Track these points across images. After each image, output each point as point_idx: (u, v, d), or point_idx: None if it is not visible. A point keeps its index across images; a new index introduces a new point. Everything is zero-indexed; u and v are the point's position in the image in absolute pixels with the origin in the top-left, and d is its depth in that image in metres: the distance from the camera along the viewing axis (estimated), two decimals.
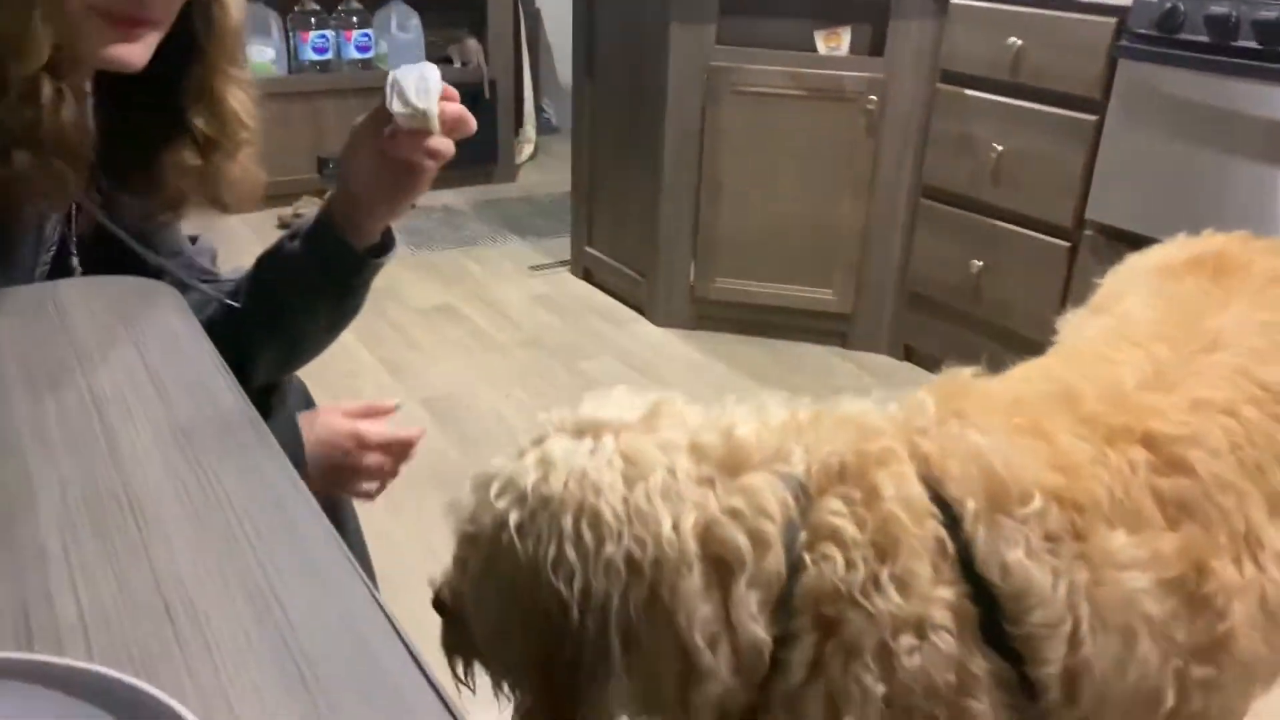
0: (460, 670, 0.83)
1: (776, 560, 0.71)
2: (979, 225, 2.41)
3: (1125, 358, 0.90)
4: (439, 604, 0.84)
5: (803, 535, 0.72)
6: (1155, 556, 0.76)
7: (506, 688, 0.81)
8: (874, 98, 2.50)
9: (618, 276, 3.05)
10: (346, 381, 2.52)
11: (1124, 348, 0.93)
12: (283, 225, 3.48)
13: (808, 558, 0.71)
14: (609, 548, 0.70)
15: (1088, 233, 2.16)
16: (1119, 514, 0.76)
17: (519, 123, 4.46)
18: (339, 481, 1.05)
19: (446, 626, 0.84)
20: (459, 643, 0.83)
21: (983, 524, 0.73)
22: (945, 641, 0.71)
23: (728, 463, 0.75)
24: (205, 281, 1.04)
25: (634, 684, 0.73)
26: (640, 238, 2.89)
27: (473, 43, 4.01)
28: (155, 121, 0.93)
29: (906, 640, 0.70)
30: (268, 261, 1.01)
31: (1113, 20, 2.04)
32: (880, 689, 0.70)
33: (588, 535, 0.71)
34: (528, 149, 4.50)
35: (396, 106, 0.84)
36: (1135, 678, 0.75)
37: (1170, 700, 0.77)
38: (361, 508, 1.15)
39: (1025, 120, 2.25)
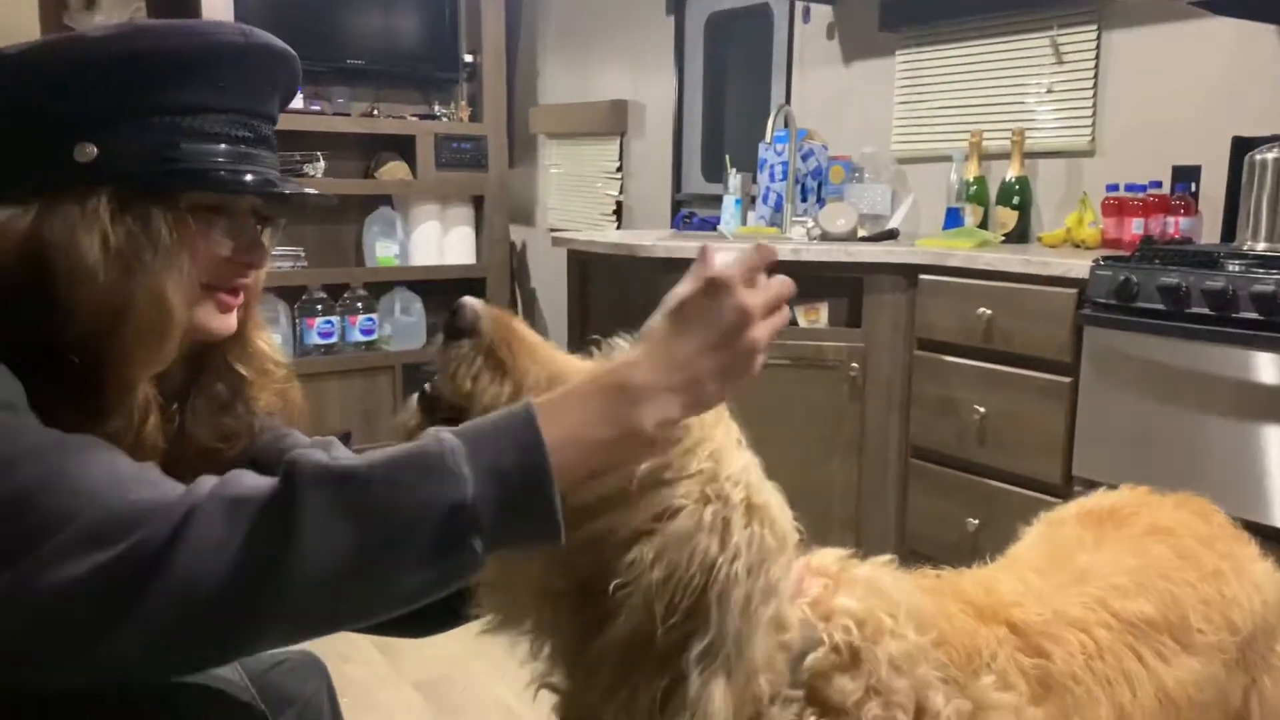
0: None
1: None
2: (970, 484, 2.45)
3: (1001, 578, 1.04)
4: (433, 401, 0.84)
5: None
6: (1022, 715, 0.88)
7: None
8: (855, 365, 2.63)
9: None
10: (336, 665, 2.44)
11: (1002, 575, 1.07)
12: None
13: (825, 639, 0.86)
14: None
15: (1077, 489, 2.20)
16: (992, 670, 0.89)
17: None
18: (723, 361, 0.76)
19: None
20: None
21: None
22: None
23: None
24: None
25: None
26: None
27: None
28: (196, 374, 0.96)
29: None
30: None
31: (1072, 291, 2.20)
32: None
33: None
34: None
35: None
36: None
37: None
38: None
39: (1003, 383, 2.36)
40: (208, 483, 0.73)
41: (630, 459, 0.76)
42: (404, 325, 4.09)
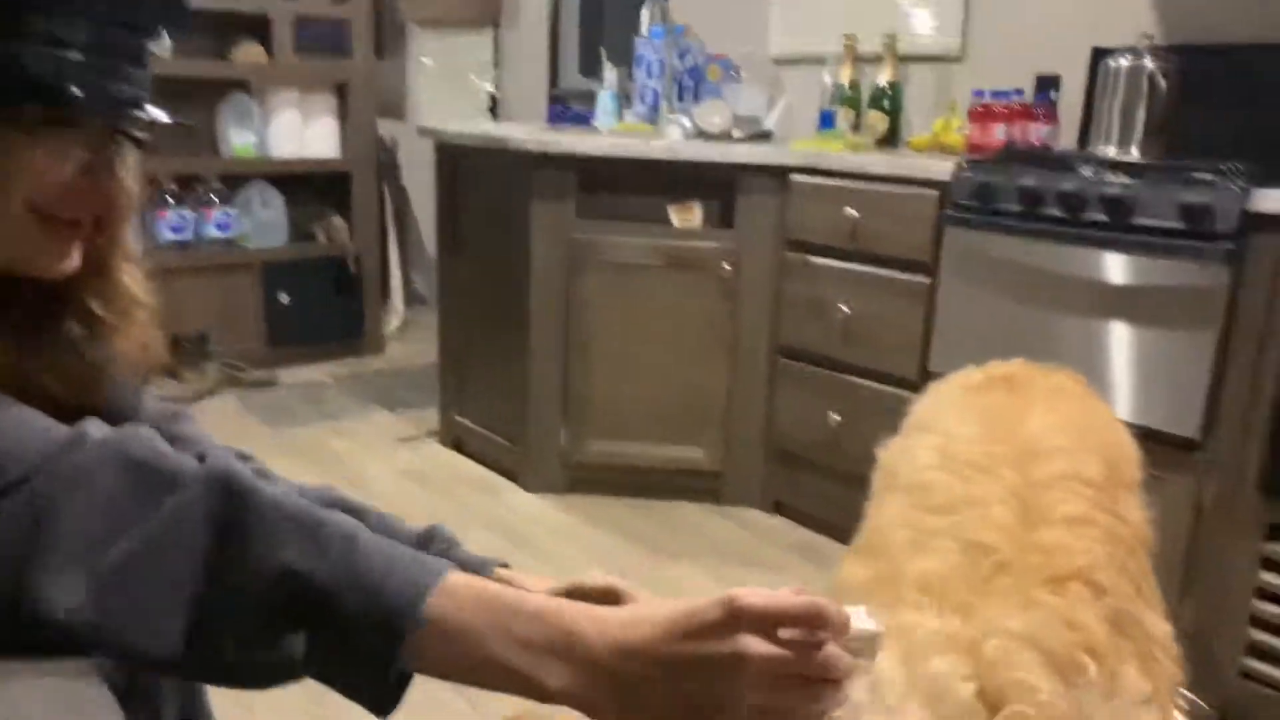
0: None
1: None
2: (834, 382, 2.52)
3: (984, 491, 1.02)
4: None
5: None
6: (1144, 687, 0.88)
7: None
8: (728, 265, 2.64)
9: (489, 445, 3.02)
10: None
11: (971, 475, 1.05)
12: None
13: None
14: None
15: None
16: (1114, 650, 0.88)
17: (386, 296, 4.47)
18: (677, 698, 0.62)
19: None
20: None
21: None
22: None
23: None
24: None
25: None
26: (510, 405, 2.89)
27: (337, 220, 4.05)
28: (45, 310, 0.83)
29: None
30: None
31: (935, 193, 2.24)
32: None
33: None
34: (395, 321, 4.50)
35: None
36: None
37: None
38: None
39: (867, 283, 2.41)
40: (98, 427, 0.67)
41: (507, 690, 0.64)
42: (264, 221, 3.88)
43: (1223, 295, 1.81)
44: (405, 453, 3.14)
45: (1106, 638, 0.89)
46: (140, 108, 0.79)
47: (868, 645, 0.66)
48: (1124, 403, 1.95)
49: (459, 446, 3.15)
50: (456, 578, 0.65)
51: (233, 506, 0.64)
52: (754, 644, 0.61)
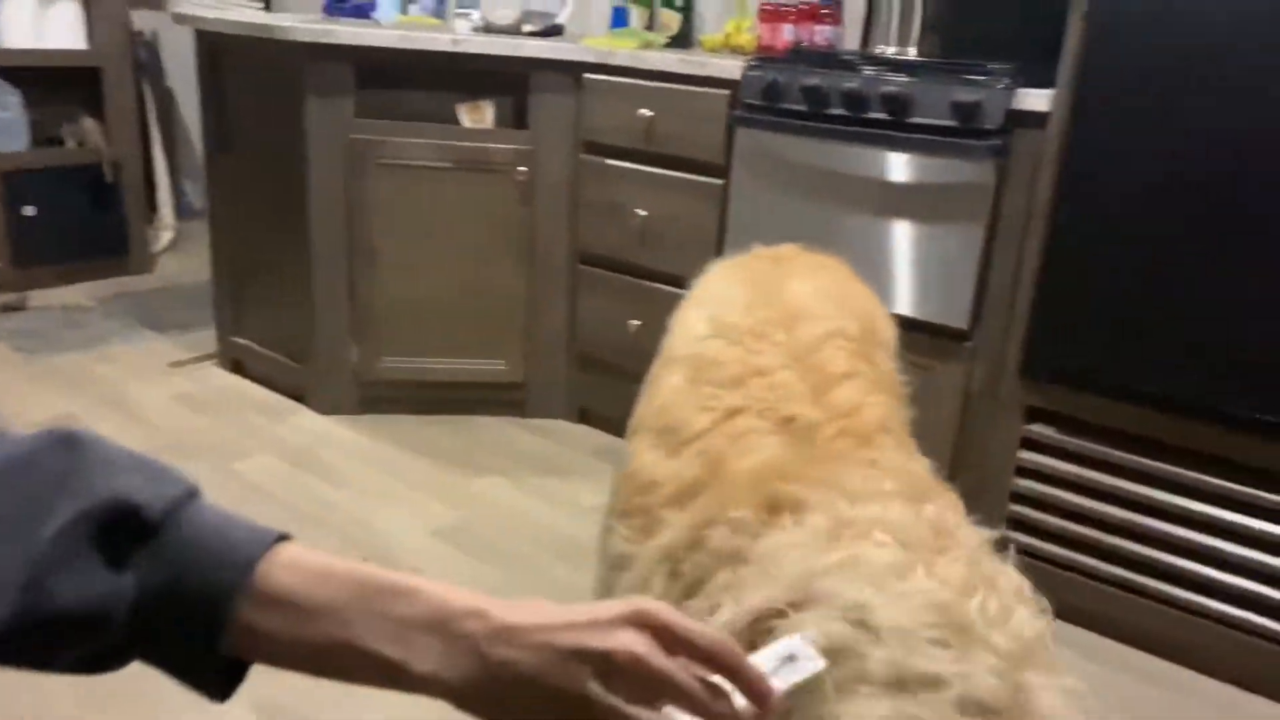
0: None
1: None
2: (633, 286, 2.50)
3: (765, 360, 1.06)
4: None
5: None
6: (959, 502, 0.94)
7: None
8: (523, 168, 2.54)
9: (272, 366, 2.83)
10: None
11: (747, 342, 1.09)
12: None
13: None
14: None
15: None
16: (932, 482, 0.95)
17: (153, 208, 4.08)
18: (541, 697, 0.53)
19: None
20: None
21: None
22: None
23: None
24: None
25: None
26: (294, 322, 2.71)
27: (90, 122, 3.62)
28: None
29: None
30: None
31: (726, 93, 2.22)
32: None
33: None
34: (166, 236, 4.12)
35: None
36: None
37: None
38: None
39: (662, 186, 2.38)
40: None
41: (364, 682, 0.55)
42: None
43: (989, 191, 1.90)
44: (179, 378, 2.89)
45: (924, 473, 0.96)
46: None
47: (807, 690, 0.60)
48: (904, 298, 2.03)
49: (240, 369, 2.94)
50: (299, 548, 0.56)
51: (67, 451, 0.55)
52: (634, 641, 0.53)
